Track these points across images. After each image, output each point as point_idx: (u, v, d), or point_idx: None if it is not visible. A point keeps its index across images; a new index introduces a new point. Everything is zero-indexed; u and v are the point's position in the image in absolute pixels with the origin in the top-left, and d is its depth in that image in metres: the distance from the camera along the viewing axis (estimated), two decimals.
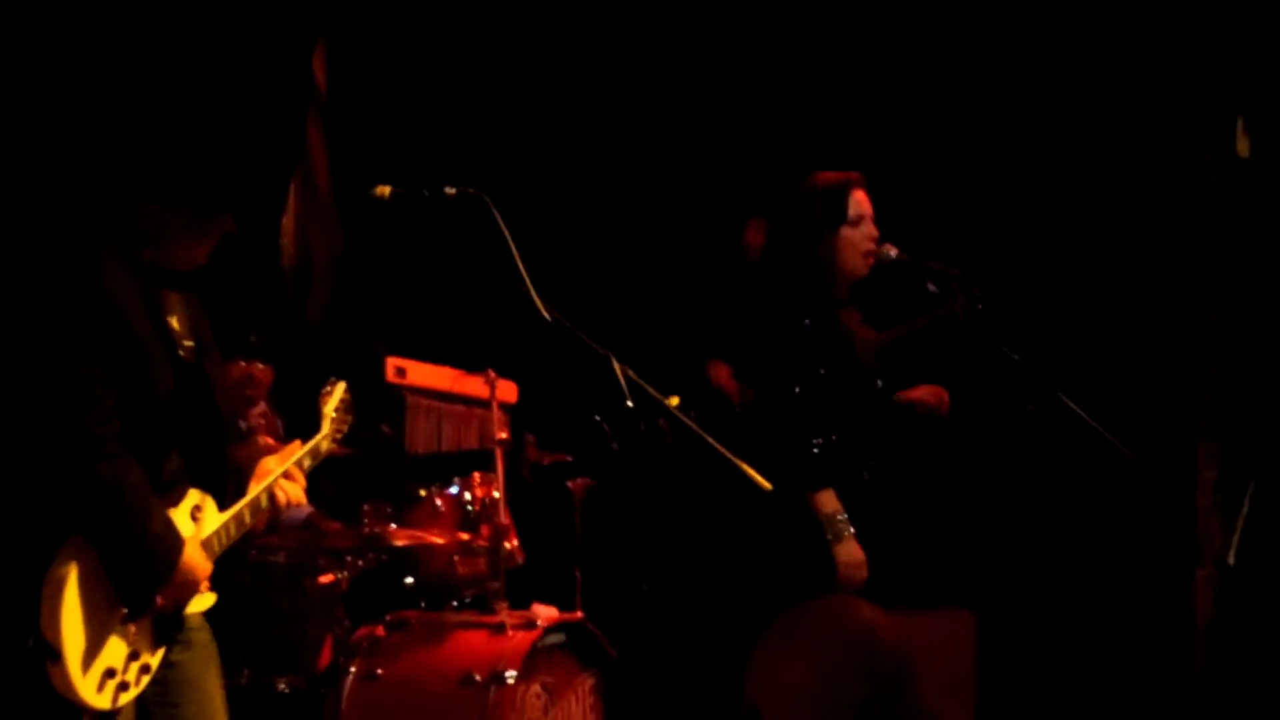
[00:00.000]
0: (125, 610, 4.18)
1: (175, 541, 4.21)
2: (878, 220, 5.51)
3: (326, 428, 4.72)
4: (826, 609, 2.73)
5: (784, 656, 2.67)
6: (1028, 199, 7.27)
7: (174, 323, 4.36)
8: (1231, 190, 6.97)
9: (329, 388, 4.79)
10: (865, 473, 5.38)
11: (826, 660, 2.63)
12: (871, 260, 5.49)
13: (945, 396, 5.68)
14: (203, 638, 4.44)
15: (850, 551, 5.22)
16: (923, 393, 5.67)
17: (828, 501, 5.24)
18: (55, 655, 4.05)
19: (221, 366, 4.65)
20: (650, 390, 4.70)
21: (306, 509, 5.21)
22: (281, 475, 4.49)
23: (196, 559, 4.26)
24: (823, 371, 5.35)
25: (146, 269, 4.29)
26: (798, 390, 5.30)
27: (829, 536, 5.22)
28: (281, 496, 4.51)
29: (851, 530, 5.22)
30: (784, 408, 5.30)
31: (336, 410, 4.76)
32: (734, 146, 7.38)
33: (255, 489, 4.47)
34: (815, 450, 5.28)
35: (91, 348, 4.15)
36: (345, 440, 4.78)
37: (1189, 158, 7.04)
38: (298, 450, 4.60)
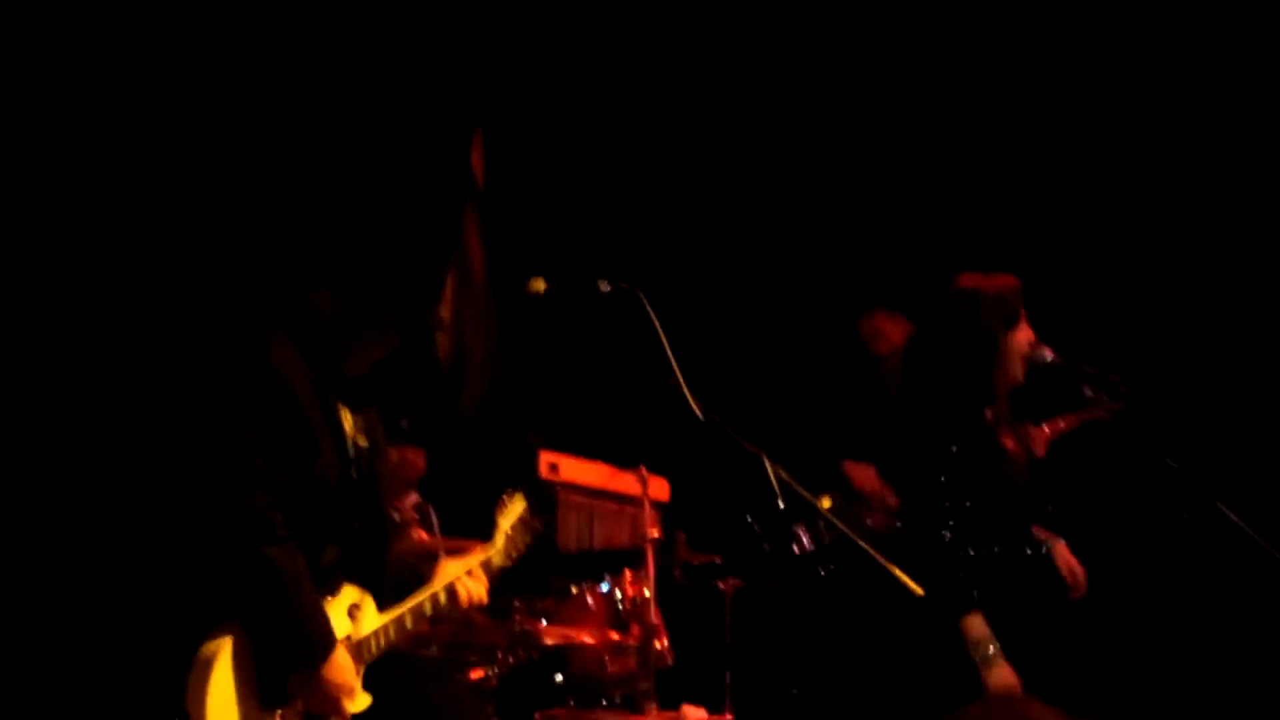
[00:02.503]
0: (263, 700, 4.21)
1: (328, 638, 4.24)
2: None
3: (501, 543, 4.73)
4: (1004, 710, 2.67)
5: None
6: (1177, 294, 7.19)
7: (346, 420, 4.43)
8: None
9: (507, 500, 4.81)
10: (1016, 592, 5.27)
11: None
12: (1028, 364, 5.38)
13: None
14: None
15: (1002, 676, 5.07)
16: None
17: (976, 626, 5.09)
18: None
19: (388, 466, 4.70)
20: (802, 491, 4.68)
21: None
22: (465, 574, 4.52)
23: (343, 663, 4.27)
24: (968, 503, 5.23)
25: (320, 365, 4.36)
26: (948, 518, 5.19)
27: (977, 660, 5.08)
28: (464, 594, 4.52)
29: (1000, 653, 5.08)
30: (933, 535, 5.19)
31: (514, 528, 4.78)
32: (873, 243, 7.38)
33: (423, 593, 4.49)
34: (962, 573, 5.16)
35: (262, 429, 4.21)
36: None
37: None
38: (476, 554, 4.62)
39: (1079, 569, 5.42)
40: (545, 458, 6.00)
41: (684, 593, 6.01)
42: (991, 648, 5.05)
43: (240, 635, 4.17)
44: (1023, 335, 5.32)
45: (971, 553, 5.14)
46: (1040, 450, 5.47)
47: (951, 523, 5.13)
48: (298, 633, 4.20)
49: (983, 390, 5.27)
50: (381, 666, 4.46)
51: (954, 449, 5.16)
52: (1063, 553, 5.41)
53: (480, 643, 5.51)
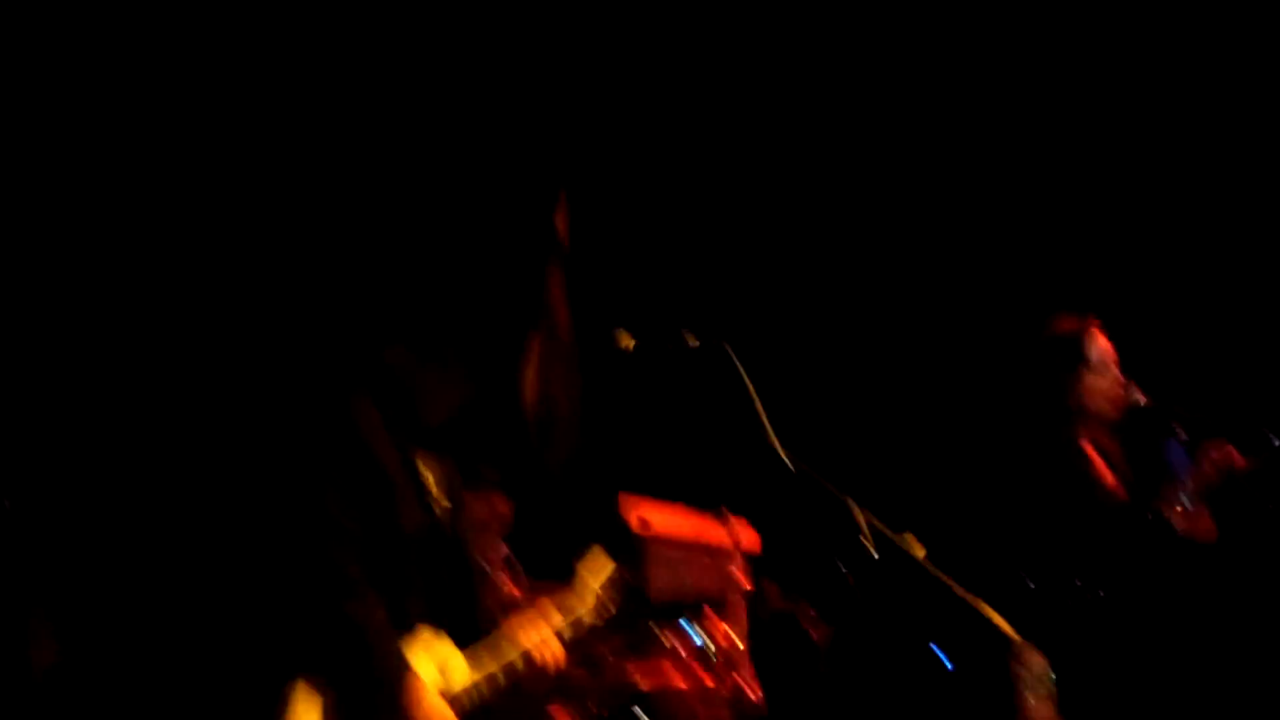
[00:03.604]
0: None
1: (414, 684, 4.22)
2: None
3: (593, 601, 4.71)
4: None
5: None
6: None
7: (427, 471, 4.44)
8: None
9: (596, 560, 4.80)
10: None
11: None
12: (1120, 405, 5.42)
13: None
14: None
15: (1042, 713, 5.04)
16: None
17: (1038, 659, 5.05)
18: None
19: (472, 517, 4.69)
20: (890, 534, 4.65)
21: None
22: (541, 638, 4.50)
23: (437, 709, 4.25)
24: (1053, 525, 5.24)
25: (398, 420, 4.38)
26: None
27: (1029, 691, 5.02)
28: (540, 659, 4.51)
29: (1052, 692, 5.03)
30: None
31: (605, 586, 4.75)
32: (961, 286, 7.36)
33: (511, 649, 4.48)
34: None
35: (343, 483, 4.23)
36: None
37: None
38: (556, 613, 4.59)
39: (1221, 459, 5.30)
40: (634, 510, 5.96)
41: (776, 641, 5.97)
42: (1047, 683, 5.03)
43: (324, 691, 4.17)
44: (1105, 377, 5.36)
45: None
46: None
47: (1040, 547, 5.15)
48: (382, 686, 4.19)
49: (1058, 422, 5.32)
50: None
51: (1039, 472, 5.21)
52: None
53: (573, 691, 5.47)
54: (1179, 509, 5.36)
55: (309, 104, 6.46)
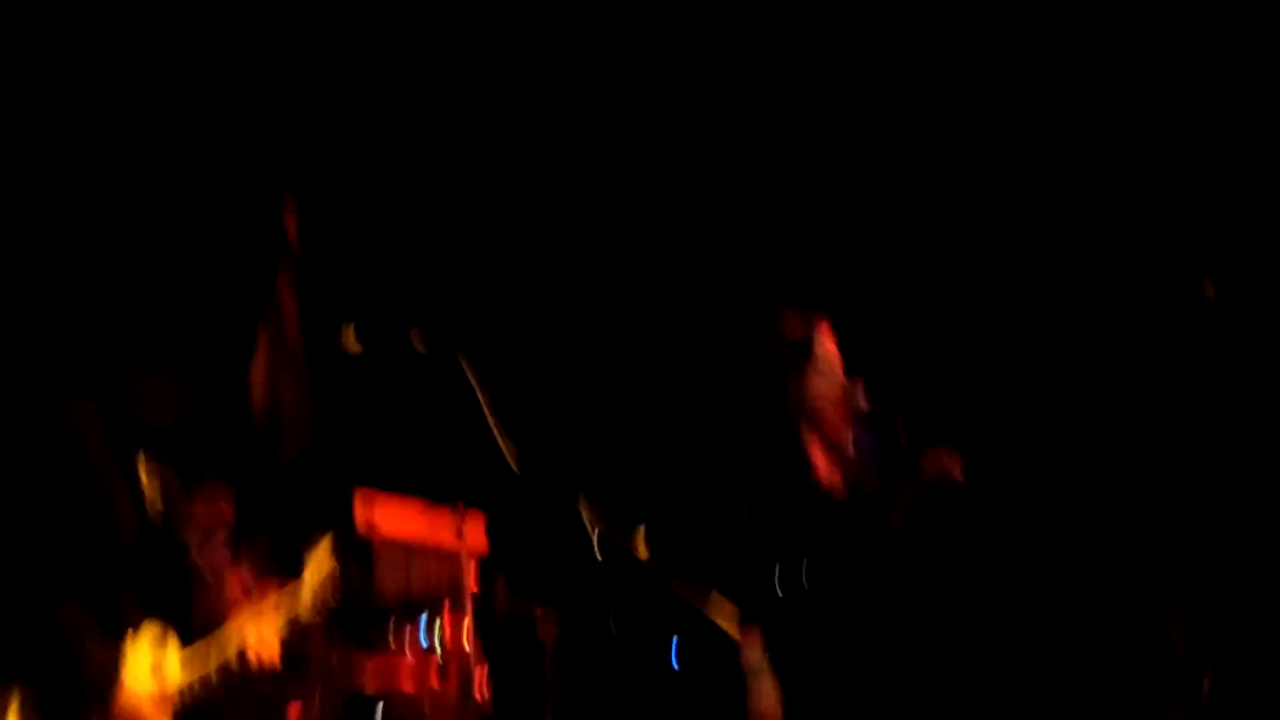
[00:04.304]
0: None
1: (113, 687, 4.16)
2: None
3: (311, 598, 4.66)
4: None
5: None
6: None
7: (146, 473, 4.36)
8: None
9: (319, 560, 4.75)
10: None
11: None
12: (842, 407, 5.50)
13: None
14: None
15: (765, 696, 5.14)
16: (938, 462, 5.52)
17: (756, 652, 5.14)
18: None
19: (193, 517, 4.63)
20: (616, 534, 4.70)
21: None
22: (257, 638, 4.45)
23: (143, 710, 4.19)
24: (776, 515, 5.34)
25: (118, 424, 4.30)
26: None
27: (749, 676, 5.11)
28: (257, 659, 4.45)
29: (771, 676, 5.13)
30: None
31: (324, 582, 4.71)
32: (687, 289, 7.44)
33: (227, 649, 4.43)
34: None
35: (52, 486, 4.15)
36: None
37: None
38: (273, 612, 4.54)
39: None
40: (363, 509, 5.92)
41: (504, 640, 5.98)
42: (768, 673, 5.12)
43: (24, 694, 4.09)
44: (827, 379, 5.46)
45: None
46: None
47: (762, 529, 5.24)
48: (80, 686, 4.12)
49: (782, 422, 5.42)
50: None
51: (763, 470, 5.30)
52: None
53: (295, 694, 5.42)
54: (892, 507, 5.48)
55: (39, 102, 6.31)
